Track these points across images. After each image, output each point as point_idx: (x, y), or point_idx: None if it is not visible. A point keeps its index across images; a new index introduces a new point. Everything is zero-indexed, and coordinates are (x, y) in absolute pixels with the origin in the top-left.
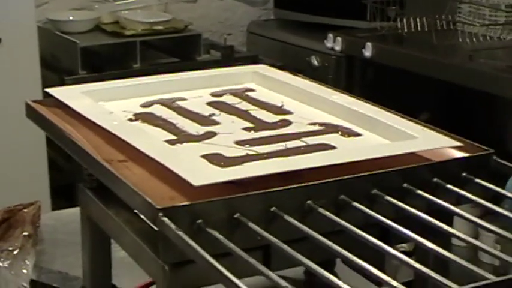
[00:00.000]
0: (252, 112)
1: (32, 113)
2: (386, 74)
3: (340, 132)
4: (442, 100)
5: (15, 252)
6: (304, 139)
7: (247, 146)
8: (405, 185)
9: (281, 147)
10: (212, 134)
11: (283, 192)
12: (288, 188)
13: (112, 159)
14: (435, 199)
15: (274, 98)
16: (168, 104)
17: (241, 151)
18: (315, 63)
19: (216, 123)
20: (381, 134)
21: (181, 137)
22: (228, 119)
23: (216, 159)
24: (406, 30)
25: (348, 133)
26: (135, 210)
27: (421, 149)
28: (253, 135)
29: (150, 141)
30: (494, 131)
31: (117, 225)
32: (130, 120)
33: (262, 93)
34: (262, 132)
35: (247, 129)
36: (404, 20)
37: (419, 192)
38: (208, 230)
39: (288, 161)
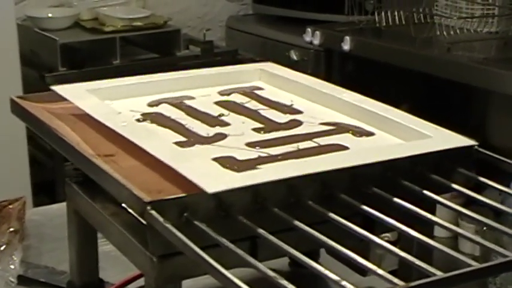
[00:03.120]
0: (261, 112)
1: (16, 109)
2: (365, 67)
3: (351, 132)
4: (420, 92)
5: (2, 248)
6: (316, 139)
7: (257, 148)
8: (388, 174)
9: (293, 149)
10: (223, 136)
11: (270, 185)
12: (273, 181)
13: (99, 153)
14: (418, 188)
15: (283, 96)
16: (176, 103)
17: (253, 153)
18: (294, 57)
19: (226, 124)
20: (394, 133)
21: (191, 139)
22: (237, 120)
23: (228, 162)
24: (384, 23)
25: (360, 132)
26: (123, 204)
27: (436, 149)
28: (264, 136)
29: (161, 144)
30: (471, 121)
31: (104, 218)
32: (138, 120)
33: (270, 92)
34: (273, 133)
35: (257, 129)
36: (382, 14)
37: (403, 182)
38: (196, 222)
39: (303, 163)
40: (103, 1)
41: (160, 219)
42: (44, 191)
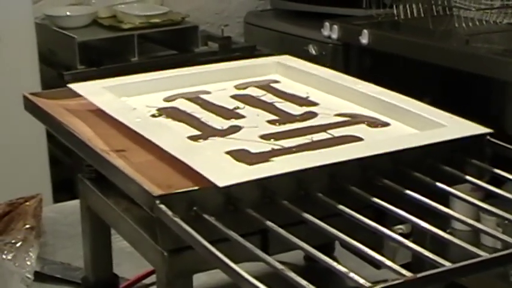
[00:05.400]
0: (277, 104)
1: (29, 106)
2: (383, 60)
3: (366, 123)
4: (439, 85)
5: (18, 245)
6: (330, 131)
7: (271, 140)
8: (401, 165)
9: (307, 141)
10: (237, 128)
11: (279, 178)
12: (282, 174)
13: (110, 149)
14: (434, 182)
15: (300, 89)
16: (192, 97)
17: (267, 146)
18: (313, 52)
19: (241, 116)
20: (409, 123)
21: (205, 132)
22: (252, 112)
23: (241, 156)
24: (402, 16)
25: (375, 123)
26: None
27: (449, 138)
28: (279, 128)
29: (173, 138)
30: (491, 113)
31: (116, 214)
32: (154, 116)
33: (287, 85)
34: (288, 125)
35: (272, 122)
36: (401, 7)
37: (415, 174)
38: (205, 216)
39: (314, 155)
40: None
41: (169, 213)
42: (65, 189)
